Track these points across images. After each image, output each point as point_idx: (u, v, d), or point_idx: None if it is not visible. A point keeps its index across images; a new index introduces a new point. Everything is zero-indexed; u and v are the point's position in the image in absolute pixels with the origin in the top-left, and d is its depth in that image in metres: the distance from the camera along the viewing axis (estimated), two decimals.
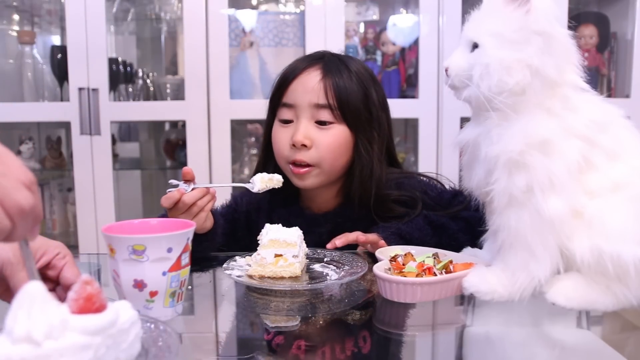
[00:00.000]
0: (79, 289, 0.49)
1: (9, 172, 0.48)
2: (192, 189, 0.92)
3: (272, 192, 1.09)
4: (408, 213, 1.06)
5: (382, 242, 0.97)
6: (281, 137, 1.06)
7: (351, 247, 1.03)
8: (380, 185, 1.05)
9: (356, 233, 1.01)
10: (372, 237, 1.00)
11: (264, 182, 0.96)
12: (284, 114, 1.06)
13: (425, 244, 0.93)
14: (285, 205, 1.14)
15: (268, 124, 1.12)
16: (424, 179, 1.14)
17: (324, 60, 1.06)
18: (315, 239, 1.02)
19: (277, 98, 1.08)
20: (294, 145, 1.03)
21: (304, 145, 1.02)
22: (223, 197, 1.22)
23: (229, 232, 1.10)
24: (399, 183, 1.09)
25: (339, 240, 1.00)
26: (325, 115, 1.03)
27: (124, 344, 0.50)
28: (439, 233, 1.03)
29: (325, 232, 1.07)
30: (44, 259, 0.65)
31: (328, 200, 1.12)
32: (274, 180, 0.96)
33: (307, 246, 0.94)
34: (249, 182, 0.97)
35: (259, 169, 1.14)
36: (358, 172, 1.05)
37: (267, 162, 1.14)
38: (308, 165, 1.04)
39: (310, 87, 1.03)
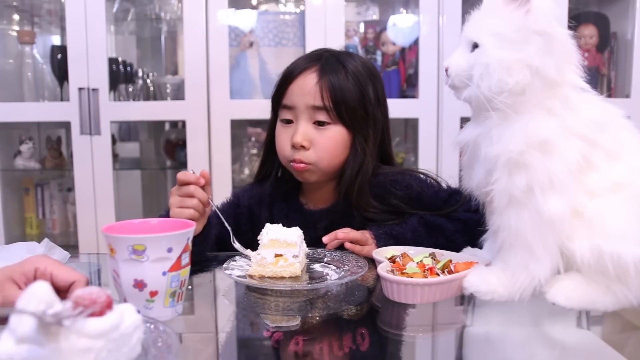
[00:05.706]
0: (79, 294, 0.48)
1: None
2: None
3: (273, 186, 1.12)
4: (385, 211, 1.07)
5: (365, 238, 1.00)
6: (283, 137, 1.10)
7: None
8: (365, 179, 1.07)
9: (343, 232, 1.01)
10: (356, 235, 1.01)
11: None
12: (285, 114, 1.09)
13: (420, 245, 0.93)
14: (285, 200, 1.17)
15: (271, 123, 1.16)
16: (421, 175, 1.13)
17: (322, 61, 1.08)
18: (312, 235, 1.02)
19: (278, 99, 1.11)
20: (294, 145, 1.06)
21: (303, 146, 1.05)
22: (223, 195, 1.23)
23: (233, 228, 1.12)
24: (394, 180, 1.09)
25: (328, 241, 1.00)
26: (323, 116, 1.06)
27: (125, 348, 0.50)
28: (435, 234, 1.04)
29: (322, 227, 1.09)
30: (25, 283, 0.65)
31: (325, 197, 1.14)
32: None
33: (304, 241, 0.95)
34: None
35: (261, 165, 1.20)
36: (350, 168, 1.08)
37: (268, 159, 1.18)
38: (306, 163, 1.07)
39: (307, 89, 1.06)
